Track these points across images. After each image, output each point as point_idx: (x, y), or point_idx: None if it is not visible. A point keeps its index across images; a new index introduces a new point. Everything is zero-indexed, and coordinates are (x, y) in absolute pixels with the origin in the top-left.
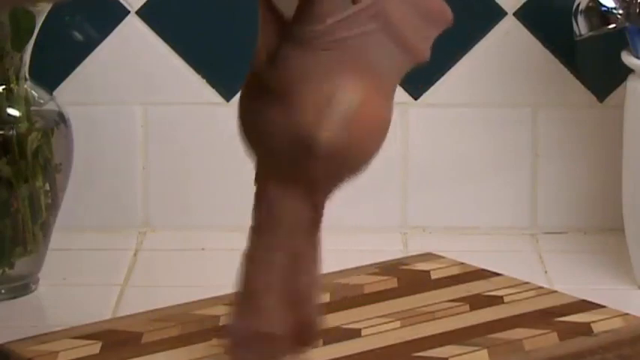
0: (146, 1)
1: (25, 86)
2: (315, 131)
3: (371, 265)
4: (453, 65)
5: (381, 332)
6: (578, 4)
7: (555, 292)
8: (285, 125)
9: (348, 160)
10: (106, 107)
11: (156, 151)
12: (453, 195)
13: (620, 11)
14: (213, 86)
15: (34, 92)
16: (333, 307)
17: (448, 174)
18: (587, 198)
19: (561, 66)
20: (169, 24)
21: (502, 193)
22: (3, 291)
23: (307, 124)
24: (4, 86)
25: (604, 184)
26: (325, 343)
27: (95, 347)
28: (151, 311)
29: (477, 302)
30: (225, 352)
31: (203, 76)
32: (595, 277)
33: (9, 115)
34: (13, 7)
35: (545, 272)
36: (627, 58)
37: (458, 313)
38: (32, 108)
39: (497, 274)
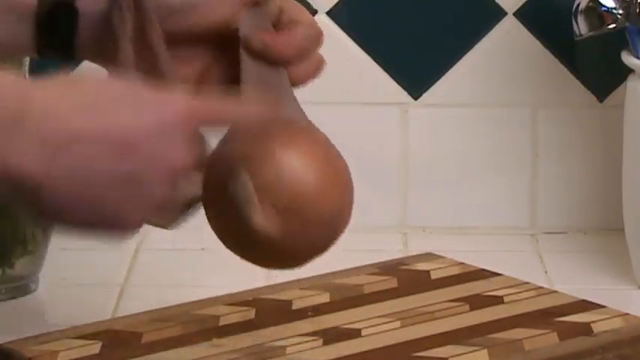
0: None
1: None
2: None
3: (371, 265)
4: (453, 65)
5: (381, 332)
6: (578, 4)
7: (555, 292)
8: None
9: None
10: None
11: None
12: (453, 195)
13: (620, 11)
14: None
15: None
16: (333, 307)
17: (448, 174)
18: (587, 198)
19: (561, 66)
20: None
21: (502, 193)
22: (3, 291)
23: None
24: None
25: (604, 184)
26: (325, 343)
27: (95, 347)
28: (151, 311)
29: (477, 302)
30: None
31: None
32: (595, 277)
33: None
34: None
35: (545, 272)
36: (627, 58)
37: (458, 313)
38: None
39: (497, 274)
